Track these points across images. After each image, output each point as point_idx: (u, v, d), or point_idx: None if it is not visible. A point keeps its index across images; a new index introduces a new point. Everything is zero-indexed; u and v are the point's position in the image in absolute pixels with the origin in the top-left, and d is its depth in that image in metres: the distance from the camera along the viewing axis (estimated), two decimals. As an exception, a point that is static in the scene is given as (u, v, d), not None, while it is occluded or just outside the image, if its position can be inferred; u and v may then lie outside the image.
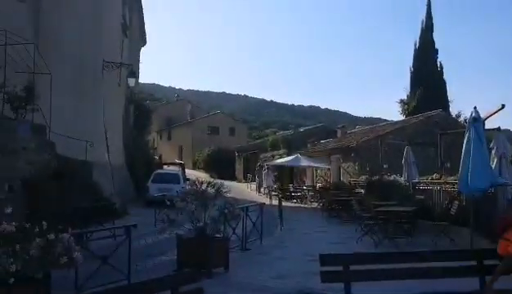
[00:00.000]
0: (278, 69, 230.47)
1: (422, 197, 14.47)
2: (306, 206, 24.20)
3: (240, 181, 43.66)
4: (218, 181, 9.58)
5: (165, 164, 34.24)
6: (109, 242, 7.59)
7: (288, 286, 7.42)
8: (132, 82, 19.52)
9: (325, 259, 4.53)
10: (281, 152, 35.41)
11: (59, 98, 13.52)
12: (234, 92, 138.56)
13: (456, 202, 11.72)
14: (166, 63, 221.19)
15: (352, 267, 4.46)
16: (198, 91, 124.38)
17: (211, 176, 39.15)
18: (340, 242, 12.21)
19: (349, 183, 22.92)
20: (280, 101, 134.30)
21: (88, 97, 16.00)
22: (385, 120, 42.30)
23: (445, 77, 35.80)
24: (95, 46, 16.42)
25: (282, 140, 38.14)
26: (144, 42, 33.85)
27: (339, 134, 33.32)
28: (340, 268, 4.42)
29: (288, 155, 30.77)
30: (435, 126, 22.56)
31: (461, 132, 10.12)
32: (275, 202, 21.16)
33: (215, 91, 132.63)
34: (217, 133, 58.56)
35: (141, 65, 33.22)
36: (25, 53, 12.70)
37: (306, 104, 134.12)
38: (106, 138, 17.66)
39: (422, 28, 36.53)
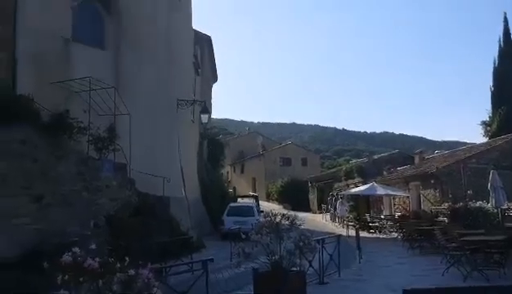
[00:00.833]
0: (349, 97, 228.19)
1: (513, 224, 13.38)
2: (385, 236, 23.24)
3: (314, 212, 43.02)
4: (292, 213, 9.46)
5: (239, 197, 34.62)
6: (187, 276, 7.68)
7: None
8: (205, 118, 20.15)
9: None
10: (356, 181, 34.57)
11: (137, 137, 14.20)
12: (305, 122, 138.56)
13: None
14: (237, 98, 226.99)
15: (441, 303, 4.13)
16: (269, 123, 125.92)
17: (285, 208, 38.98)
18: (423, 274, 11.50)
19: (430, 211, 21.78)
20: (352, 129, 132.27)
21: (164, 135, 16.68)
22: (464, 143, 40.12)
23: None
24: (169, 85, 17.20)
25: (356, 168, 37.26)
26: (215, 79, 34.99)
27: (416, 160, 32.02)
28: (427, 304, 4.11)
29: (363, 184, 29.94)
30: (523, 147, 21.00)
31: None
32: (351, 232, 20.54)
33: (286, 122, 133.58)
34: (290, 164, 58.53)
35: (213, 101, 34.28)
36: (107, 97, 13.55)
37: (378, 130, 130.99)
38: (182, 173, 18.22)
39: (500, 45, 34.68)
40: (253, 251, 8.46)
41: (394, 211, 27.78)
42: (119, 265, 5.28)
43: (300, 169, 56.30)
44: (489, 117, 34.54)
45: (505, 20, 34.72)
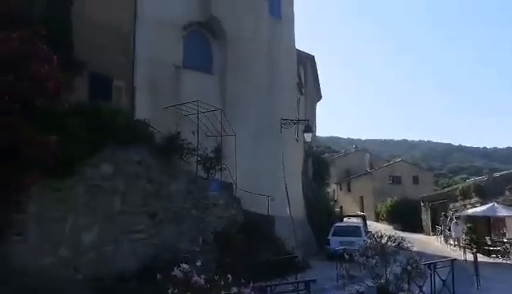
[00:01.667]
0: (464, 111, 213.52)
1: None
2: (508, 262, 21.07)
3: (427, 233, 40.45)
4: (400, 234, 9.02)
5: (346, 216, 33.78)
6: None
7: None
8: (308, 137, 20.12)
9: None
10: (474, 201, 31.90)
11: (243, 156, 14.62)
12: (416, 139, 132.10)
13: None
14: (343, 115, 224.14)
15: None
16: (376, 140, 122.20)
17: (395, 228, 37.21)
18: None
19: None
20: (470, 145, 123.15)
21: (269, 154, 16.96)
22: None
23: None
24: (273, 106, 17.52)
25: (474, 187, 34.40)
26: (319, 97, 34.90)
27: (545, 178, 28.67)
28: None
29: (482, 204, 27.53)
30: None
31: None
32: (469, 257, 18.92)
33: (395, 138, 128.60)
34: (400, 182, 55.93)
35: (317, 120, 34.20)
36: (214, 118, 14.20)
37: (501, 146, 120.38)
38: (287, 192, 18.30)
39: None
40: (359, 274, 8.19)
41: (520, 235, 25.08)
42: (223, 283, 5.43)
43: (411, 188, 53.49)
44: None
45: None
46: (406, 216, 44.24)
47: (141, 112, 13.31)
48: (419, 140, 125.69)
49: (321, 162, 33.35)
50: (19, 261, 8.65)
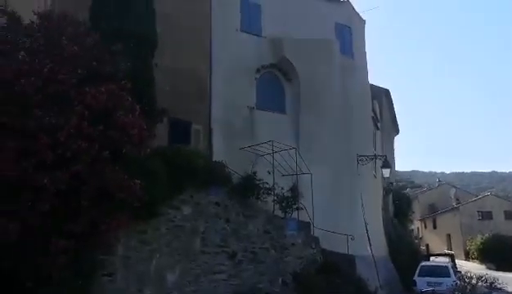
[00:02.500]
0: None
1: None
2: None
3: (527, 273, 37.02)
4: (493, 274, 8.38)
5: (433, 255, 31.94)
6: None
7: None
8: (386, 172, 19.58)
9: None
10: None
11: (319, 195, 14.51)
12: (507, 170, 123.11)
13: None
14: (423, 148, 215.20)
15: None
16: (462, 173, 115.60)
17: (487, 268, 34.47)
18: None
19: None
20: None
21: (346, 191, 16.66)
22: None
23: None
24: (348, 142, 17.33)
25: None
26: (397, 132, 34.01)
27: None
28: None
29: None
30: None
31: None
32: None
33: (483, 170, 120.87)
34: (490, 218, 52.01)
35: (396, 154, 33.20)
36: (289, 157, 14.31)
37: None
38: (367, 230, 17.77)
39: None
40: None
41: None
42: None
43: (503, 223, 49.55)
44: None
45: None
46: (499, 254, 40.91)
47: (218, 153, 13.77)
48: (510, 172, 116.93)
49: (403, 197, 32.19)
50: (108, 301, 9.10)
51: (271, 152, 14.07)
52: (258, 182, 12.86)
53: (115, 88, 8.63)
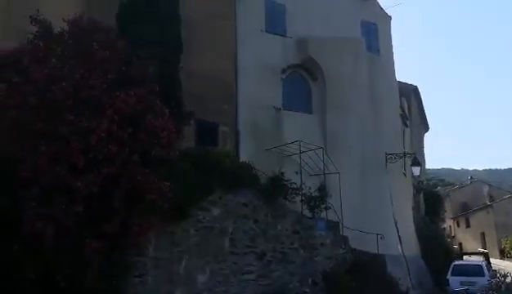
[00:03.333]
0: None
1: None
2: None
3: None
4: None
5: (466, 254, 31.25)
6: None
7: None
8: (416, 170, 19.24)
9: None
10: None
11: (348, 194, 14.40)
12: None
13: None
14: (454, 145, 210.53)
15: None
16: (496, 169, 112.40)
17: (525, 267, 33.43)
18: None
19: None
20: None
21: (375, 190, 16.46)
22: None
23: None
24: (376, 141, 17.11)
25: None
26: (426, 128, 33.41)
27: None
28: None
29: None
30: None
31: None
32: None
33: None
34: (527, 215, 50.55)
35: (427, 151, 32.64)
36: (316, 157, 14.26)
37: None
38: (397, 229, 17.52)
39: None
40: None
41: None
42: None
43: (542, 220, 48.06)
44: None
45: None
46: (537, 253, 39.72)
47: (245, 154, 13.84)
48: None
49: (434, 196, 31.56)
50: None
51: (298, 152, 14.05)
52: (285, 182, 12.86)
53: (144, 92, 8.81)
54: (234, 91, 14.99)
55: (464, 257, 28.30)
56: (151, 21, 11.15)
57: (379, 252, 14.64)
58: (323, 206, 13.58)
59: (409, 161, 19.81)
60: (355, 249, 13.96)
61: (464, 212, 57.60)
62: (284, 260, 12.27)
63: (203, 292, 10.50)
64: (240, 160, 13.61)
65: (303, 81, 17.02)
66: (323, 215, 13.68)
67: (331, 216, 13.88)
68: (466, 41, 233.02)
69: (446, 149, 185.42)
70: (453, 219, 57.40)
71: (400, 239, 17.59)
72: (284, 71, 16.41)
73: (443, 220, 36.85)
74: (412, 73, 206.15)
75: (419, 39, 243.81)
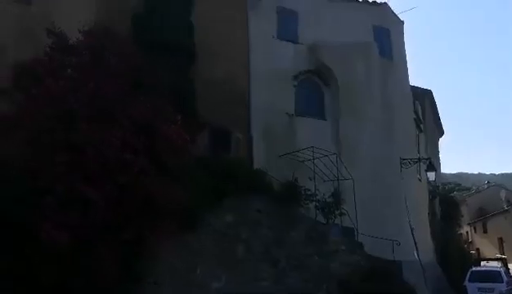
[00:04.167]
0: None
1: None
2: None
3: None
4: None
5: (483, 260, 30.87)
6: None
7: None
8: (432, 175, 19.06)
9: None
10: None
11: (362, 200, 14.29)
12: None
13: None
14: (471, 149, 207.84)
15: None
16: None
17: (544, 272, 32.80)
18: None
19: None
20: None
21: (389, 196, 16.31)
22: None
23: None
24: (390, 146, 16.99)
25: None
26: (441, 133, 33.10)
27: None
28: None
29: None
30: None
31: None
32: None
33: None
34: (545, 220, 49.68)
35: (441, 156, 32.30)
36: (330, 163, 14.20)
37: None
38: (413, 235, 17.34)
39: None
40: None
41: None
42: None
43: (560, 225, 47.18)
44: None
45: None
46: (557, 259, 38.98)
47: (259, 161, 13.85)
48: None
49: (450, 201, 31.24)
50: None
51: (311, 158, 14.01)
52: (299, 189, 12.83)
53: (157, 100, 8.89)
54: (247, 97, 15.04)
55: (482, 263, 27.94)
56: (164, 29, 11.29)
57: (395, 259, 14.48)
58: (337, 212, 13.49)
59: (424, 166, 19.64)
60: (370, 255, 13.83)
61: (481, 217, 56.75)
62: (298, 267, 12.20)
63: (217, 299, 10.50)
64: (254, 166, 13.62)
65: (315, 86, 17.00)
66: (337, 221, 13.59)
67: (346, 222, 13.79)
68: (488, 41, 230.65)
69: (462, 154, 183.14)
70: (470, 224, 56.60)
71: (416, 245, 17.40)
72: (296, 77, 16.43)
73: (460, 226, 36.43)
74: (426, 77, 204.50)
75: (435, 41, 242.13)
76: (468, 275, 20.23)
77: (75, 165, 7.84)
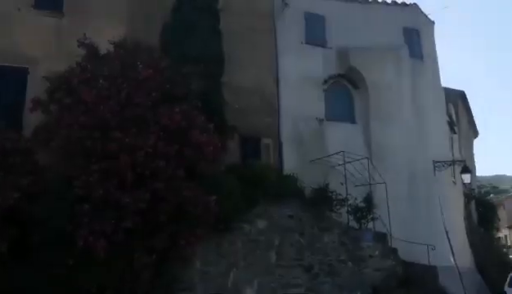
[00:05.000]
0: None
1: None
2: None
3: None
4: None
5: (524, 264, 29.72)
6: None
7: None
8: (466, 178, 18.57)
9: None
10: None
11: (395, 204, 14.04)
12: None
13: None
14: (507, 150, 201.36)
15: None
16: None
17: None
18: None
19: None
20: None
21: (423, 199, 15.98)
22: None
23: None
24: (423, 148, 16.67)
25: None
26: (476, 135, 32.26)
27: None
28: None
29: None
30: None
31: None
32: None
33: None
34: None
35: (477, 158, 31.48)
36: (361, 168, 14.03)
37: None
38: (449, 239, 16.92)
39: None
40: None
41: None
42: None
43: None
44: None
45: None
46: None
47: (289, 166, 13.80)
48: None
49: (486, 204, 30.35)
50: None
51: (342, 163, 13.87)
52: (331, 194, 12.72)
53: (188, 108, 9.01)
54: (276, 103, 15.04)
55: (524, 268, 26.97)
56: (193, 38, 11.44)
57: (431, 264, 14.15)
58: (370, 216, 13.31)
59: (458, 168, 19.18)
60: (405, 261, 13.56)
61: (522, 221, 54.88)
62: (331, 273, 12.08)
63: (251, 306, 10.49)
64: (284, 172, 13.59)
65: (345, 90, 16.85)
66: (370, 226, 13.40)
67: (379, 227, 13.57)
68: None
69: (498, 155, 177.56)
70: (509, 228, 54.83)
71: (452, 250, 16.96)
72: (325, 82, 16.33)
73: (498, 230, 35.29)
74: (460, 78, 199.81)
75: (472, 41, 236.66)
76: (508, 280, 19.60)
77: (110, 172, 8.01)
